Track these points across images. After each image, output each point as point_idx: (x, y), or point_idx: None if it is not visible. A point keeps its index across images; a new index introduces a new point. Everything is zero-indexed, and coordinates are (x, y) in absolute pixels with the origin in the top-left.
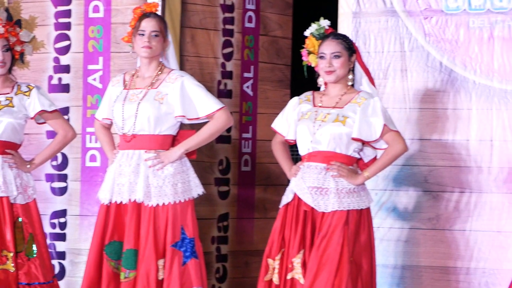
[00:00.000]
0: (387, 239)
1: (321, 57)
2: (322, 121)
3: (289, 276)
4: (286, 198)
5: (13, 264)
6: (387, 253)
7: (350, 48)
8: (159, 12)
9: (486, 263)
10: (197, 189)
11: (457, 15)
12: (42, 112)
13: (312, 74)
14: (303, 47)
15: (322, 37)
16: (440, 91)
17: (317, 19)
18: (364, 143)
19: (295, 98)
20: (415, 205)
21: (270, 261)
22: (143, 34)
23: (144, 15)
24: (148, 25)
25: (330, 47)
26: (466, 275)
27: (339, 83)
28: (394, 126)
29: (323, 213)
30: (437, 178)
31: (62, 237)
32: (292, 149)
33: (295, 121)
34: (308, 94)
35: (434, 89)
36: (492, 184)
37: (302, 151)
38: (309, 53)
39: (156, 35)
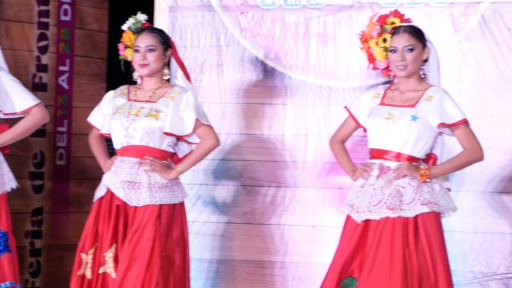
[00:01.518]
0: (203, 233)
1: (136, 51)
2: (135, 115)
3: (101, 270)
4: (100, 192)
5: None
6: (203, 248)
7: (165, 42)
8: None
9: (300, 257)
10: (10, 183)
11: (273, 11)
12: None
13: (129, 68)
14: (120, 41)
15: (139, 31)
16: (256, 86)
17: (134, 13)
18: (178, 137)
19: (111, 92)
20: (232, 200)
21: (83, 255)
22: None
23: None
24: None
25: (144, 40)
26: (281, 269)
27: (154, 77)
28: (207, 121)
29: (136, 207)
30: (253, 172)
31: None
32: (109, 143)
33: (110, 115)
34: (123, 88)
35: (250, 84)
36: (307, 179)
37: (116, 145)
38: (126, 47)
39: None
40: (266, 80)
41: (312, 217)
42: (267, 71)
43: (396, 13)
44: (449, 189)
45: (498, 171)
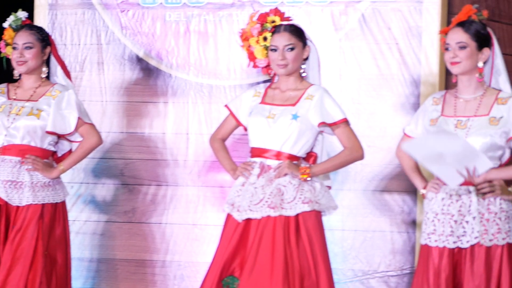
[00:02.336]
0: (83, 232)
1: (14, 48)
2: (16, 114)
3: None
4: None
5: None
6: (83, 247)
7: (43, 39)
8: None
9: (181, 256)
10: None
11: (154, 9)
12: None
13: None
14: (1, 39)
15: (19, 28)
16: (137, 84)
17: (14, 10)
18: (59, 136)
19: None
20: (112, 198)
21: None
22: None
23: None
24: None
25: (22, 38)
26: (162, 268)
27: (32, 75)
28: (89, 119)
29: (18, 207)
30: (133, 171)
31: None
32: None
33: None
34: (2, 87)
35: (131, 82)
36: (188, 177)
37: None
38: (7, 44)
39: None
40: (147, 78)
41: (193, 215)
42: (148, 70)
43: (276, 12)
44: (329, 187)
45: (379, 170)
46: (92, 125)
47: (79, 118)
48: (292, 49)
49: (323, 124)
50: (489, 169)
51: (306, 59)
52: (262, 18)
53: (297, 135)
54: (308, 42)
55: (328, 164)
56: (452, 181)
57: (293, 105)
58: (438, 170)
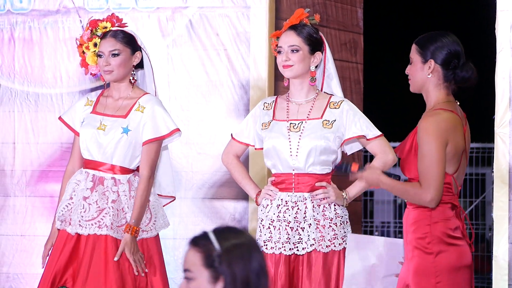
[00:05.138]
0: None
1: None
2: None
3: None
4: None
5: None
6: None
7: None
8: None
9: (10, 268)
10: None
11: None
12: None
13: None
14: None
15: None
16: None
17: None
18: None
19: None
20: None
21: None
22: None
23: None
24: None
25: None
26: None
27: None
28: None
29: None
30: None
31: None
32: None
33: None
34: None
35: None
36: (16, 188)
37: None
38: None
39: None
40: None
41: (22, 226)
42: None
43: (110, 18)
44: (174, 198)
45: (209, 177)
46: None
47: None
48: (116, 55)
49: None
50: None
51: (138, 66)
52: (94, 24)
53: (128, 149)
54: (143, 49)
55: (138, 207)
56: None
57: (124, 116)
58: None
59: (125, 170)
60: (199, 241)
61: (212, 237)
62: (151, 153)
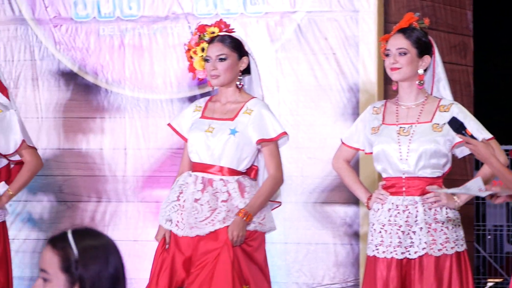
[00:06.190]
0: (23, 251)
1: None
2: None
3: None
4: None
5: None
6: (23, 265)
7: None
8: None
9: None
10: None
11: (87, 23)
12: None
13: None
14: None
15: None
16: (73, 100)
17: None
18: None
19: None
20: (51, 216)
21: None
22: None
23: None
24: None
25: None
26: None
27: None
28: (31, 142)
29: None
30: (72, 187)
31: None
32: None
33: None
34: None
35: (67, 98)
36: (127, 193)
37: None
38: None
39: None
40: (83, 94)
41: (134, 231)
42: (84, 85)
43: (218, 23)
44: (279, 203)
45: (319, 181)
46: (35, 148)
47: (23, 140)
48: (223, 59)
49: (261, 141)
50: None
51: (245, 71)
52: (201, 29)
53: (236, 150)
54: (250, 55)
55: (261, 199)
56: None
57: (232, 119)
58: None
59: (233, 172)
60: (58, 243)
61: (71, 239)
62: (268, 152)
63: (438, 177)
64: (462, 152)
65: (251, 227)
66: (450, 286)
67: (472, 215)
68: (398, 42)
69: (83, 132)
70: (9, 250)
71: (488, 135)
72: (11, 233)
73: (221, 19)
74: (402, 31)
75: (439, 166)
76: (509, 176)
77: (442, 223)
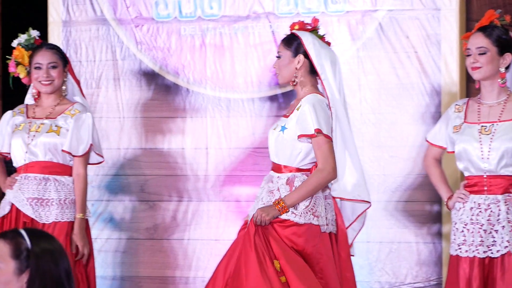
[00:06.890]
0: (105, 250)
1: (38, 68)
2: (36, 131)
3: None
4: (3, 210)
5: None
6: (106, 265)
7: (64, 58)
8: None
9: (205, 272)
10: None
11: (168, 23)
12: None
13: (20, 85)
14: (10, 58)
15: (33, 47)
16: (154, 99)
17: (26, 29)
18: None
19: (9, 112)
20: (133, 215)
21: None
22: None
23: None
24: None
25: (45, 57)
26: (186, 284)
27: (53, 93)
28: (99, 150)
29: (44, 224)
30: (154, 187)
31: None
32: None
33: (9, 134)
34: (21, 107)
35: (148, 98)
36: (209, 192)
37: (17, 162)
38: (18, 64)
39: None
40: (164, 93)
41: (216, 230)
42: (165, 85)
43: (314, 21)
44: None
45: (402, 180)
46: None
47: (91, 145)
48: (278, 57)
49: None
50: None
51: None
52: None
53: (284, 146)
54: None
55: (300, 190)
56: None
57: (287, 116)
58: None
59: (289, 169)
60: (9, 234)
61: (23, 232)
62: (315, 147)
63: None
64: None
65: (284, 215)
66: None
67: None
68: (478, 41)
69: (164, 132)
70: (92, 248)
71: None
72: (94, 232)
73: (314, 17)
74: (482, 29)
75: None
76: None
77: None
